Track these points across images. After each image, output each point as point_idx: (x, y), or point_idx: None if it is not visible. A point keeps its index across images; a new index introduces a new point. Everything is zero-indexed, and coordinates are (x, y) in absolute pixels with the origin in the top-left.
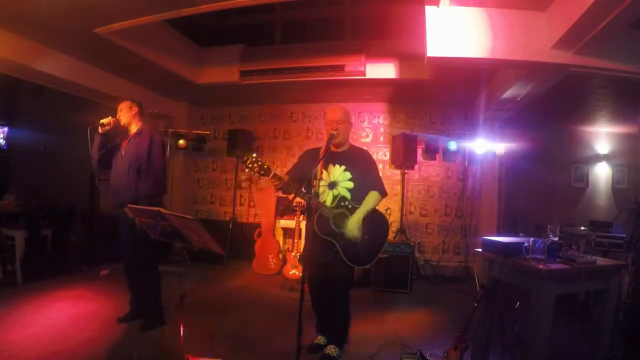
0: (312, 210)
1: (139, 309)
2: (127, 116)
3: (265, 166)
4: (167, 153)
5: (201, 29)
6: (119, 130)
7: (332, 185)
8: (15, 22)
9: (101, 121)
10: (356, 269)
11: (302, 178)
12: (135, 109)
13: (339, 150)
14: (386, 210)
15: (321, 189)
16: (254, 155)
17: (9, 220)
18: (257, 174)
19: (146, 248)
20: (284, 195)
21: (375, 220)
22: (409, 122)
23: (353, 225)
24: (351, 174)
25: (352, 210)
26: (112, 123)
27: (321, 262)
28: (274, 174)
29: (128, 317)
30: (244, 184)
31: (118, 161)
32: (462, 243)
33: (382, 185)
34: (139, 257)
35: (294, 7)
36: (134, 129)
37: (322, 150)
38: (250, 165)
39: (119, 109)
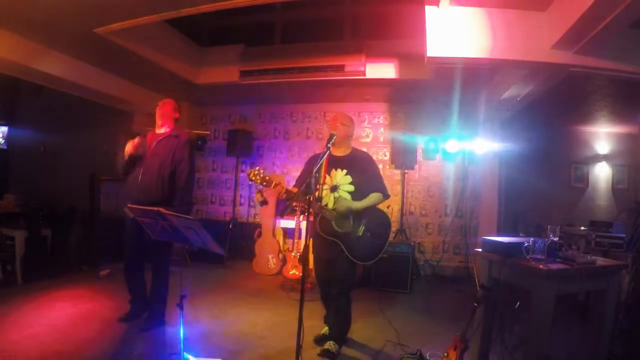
0: (315, 213)
1: (140, 309)
2: (166, 115)
3: (267, 178)
4: None
5: (201, 29)
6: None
7: (334, 188)
8: (15, 22)
9: (126, 150)
10: (358, 268)
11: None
12: (177, 114)
13: (341, 155)
14: (387, 207)
15: (324, 192)
16: (258, 168)
17: (9, 220)
18: (259, 185)
19: (160, 248)
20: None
21: (377, 218)
22: (409, 122)
23: (343, 204)
24: (352, 177)
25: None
26: (138, 143)
27: (327, 259)
28: (275, 184)
29: (128, 316)
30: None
31: (144, 160)
32: (462, 243)
33: (384, 187)
34: (153, 257)
35: (294, 7)
36: (165, 129)
37: (323, 152)
38: (253, 178)
39: (161, 103)
